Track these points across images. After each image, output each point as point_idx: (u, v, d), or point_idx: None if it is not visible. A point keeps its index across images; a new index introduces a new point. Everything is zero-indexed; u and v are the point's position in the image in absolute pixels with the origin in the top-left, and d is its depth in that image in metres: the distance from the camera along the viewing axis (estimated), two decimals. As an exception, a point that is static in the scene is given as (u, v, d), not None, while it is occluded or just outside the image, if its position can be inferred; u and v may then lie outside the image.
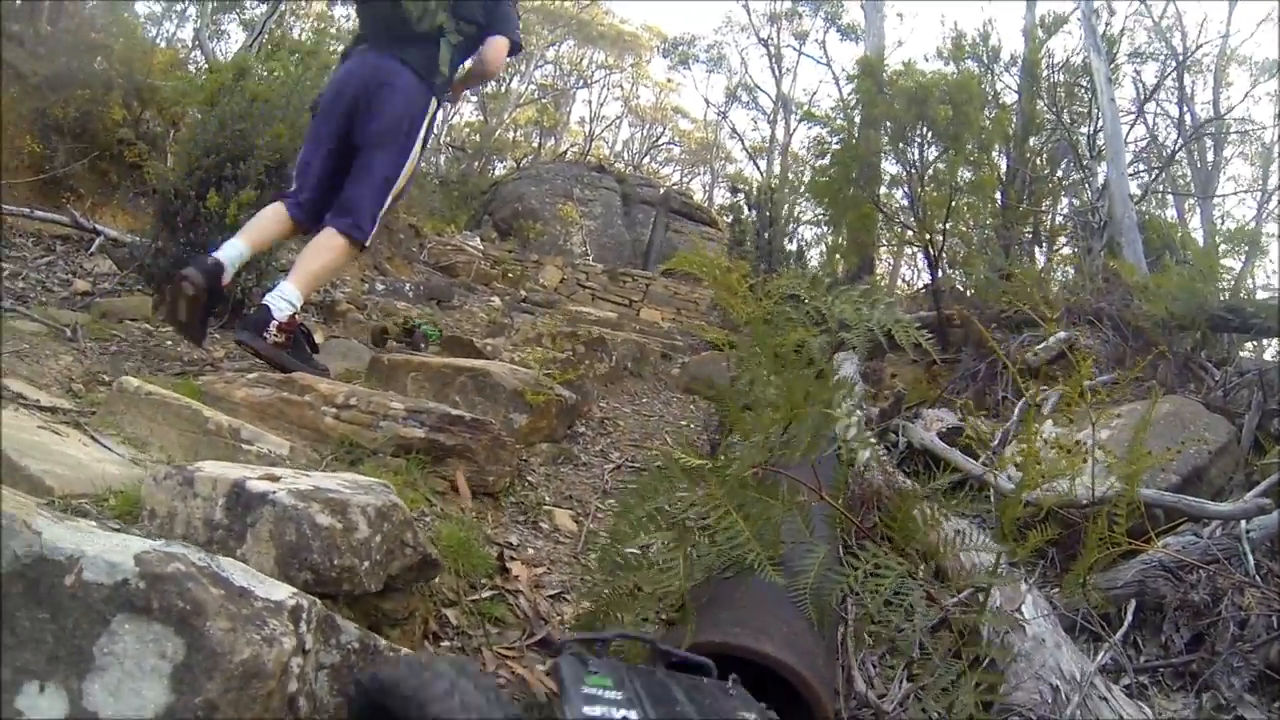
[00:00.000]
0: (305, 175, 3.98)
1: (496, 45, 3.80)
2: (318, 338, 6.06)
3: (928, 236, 8.74)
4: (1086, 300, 7.31)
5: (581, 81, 23.60)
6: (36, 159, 7.64)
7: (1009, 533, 2.27)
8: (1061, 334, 6.43)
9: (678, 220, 16.74)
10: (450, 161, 15.88)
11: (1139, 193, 13.95)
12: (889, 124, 9.90)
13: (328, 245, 3.87)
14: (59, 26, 9.03)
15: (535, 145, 21.20)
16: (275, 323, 3.83)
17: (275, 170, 5.90)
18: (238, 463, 2.20)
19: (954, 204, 9.16)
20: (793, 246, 10.87)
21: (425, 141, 4.01)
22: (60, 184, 7.66)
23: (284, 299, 3.87)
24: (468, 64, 4.05)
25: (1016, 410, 5.22)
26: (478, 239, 11.79)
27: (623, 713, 1.04)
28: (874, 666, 2.59)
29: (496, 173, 17.09)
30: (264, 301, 3.85)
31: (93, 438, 3.01)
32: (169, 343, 5.20)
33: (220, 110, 5.94)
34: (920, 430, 5.00)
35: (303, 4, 19.71)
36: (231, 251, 3.92)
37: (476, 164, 16.35)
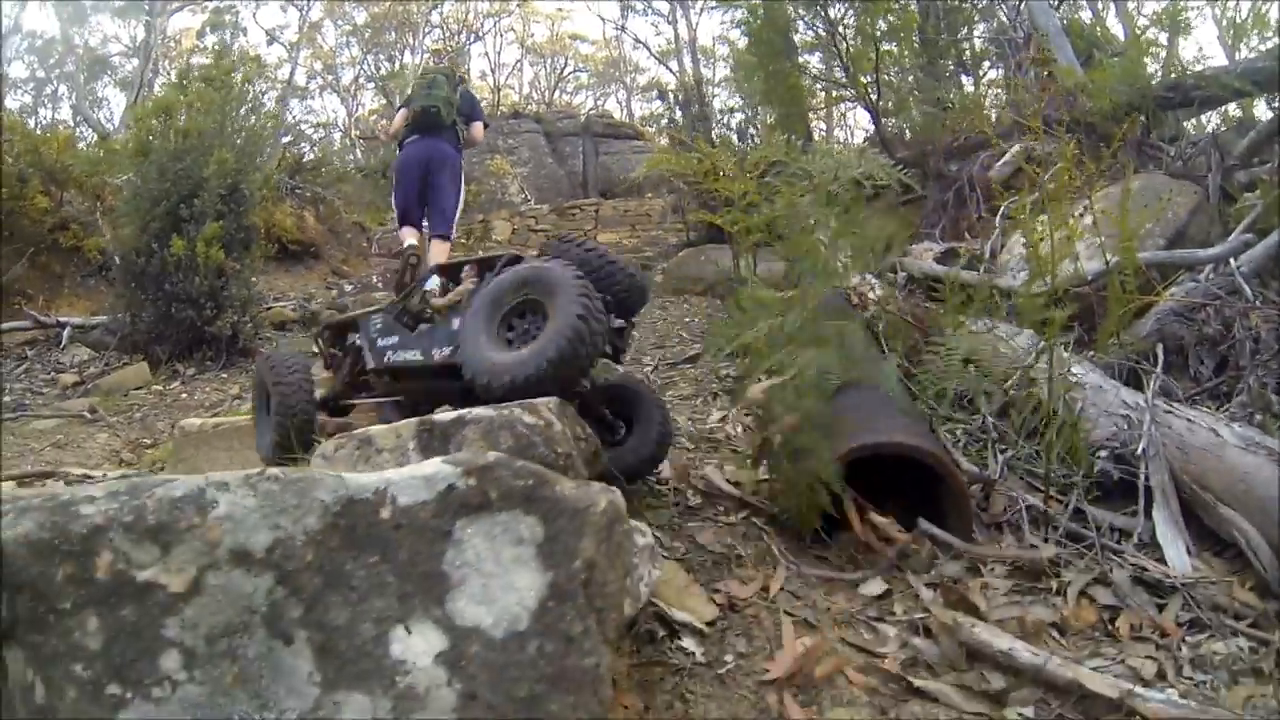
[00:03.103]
0: (410, 210, 5.88)
1: (477, 128, 6.08)
2: (315, 349, 6.13)
3: (864, 89, 8.77)
4: (1029, 112, 7.44)
5: (473, 36, 23.08)
6: (-25, 274, 7.49)
7: (1032, 318, 2.41)
8: (1016, 147, 6.58)
9: (604, 142, 16.51)
10: (366, 152, 15.62)
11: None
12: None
13: (441, 247, 5.77)
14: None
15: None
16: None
17: (230, 196, 5.87)
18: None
19: (880, 51, 9.16)
20: (733, 135, 10.79)
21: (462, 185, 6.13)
22: (7, 292, 7.49)
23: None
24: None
25: (998, 220, 5.39)
26: (421, 218, 11.59)
27: None
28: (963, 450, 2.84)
29: (414, 151, 16.61)
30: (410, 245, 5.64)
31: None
32: (184, 396, 5.28)
33: (155, 157, 5.87)
34: (915, 262, 5.18)
35: (173, 45, 19.13)
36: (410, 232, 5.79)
37: (394, 147, 16.05)
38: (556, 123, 16.89)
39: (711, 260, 7.27)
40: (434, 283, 4.51)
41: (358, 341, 2.79)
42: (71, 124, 16.09)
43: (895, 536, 1.98)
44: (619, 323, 2.32)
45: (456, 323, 2.33)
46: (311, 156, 11.63)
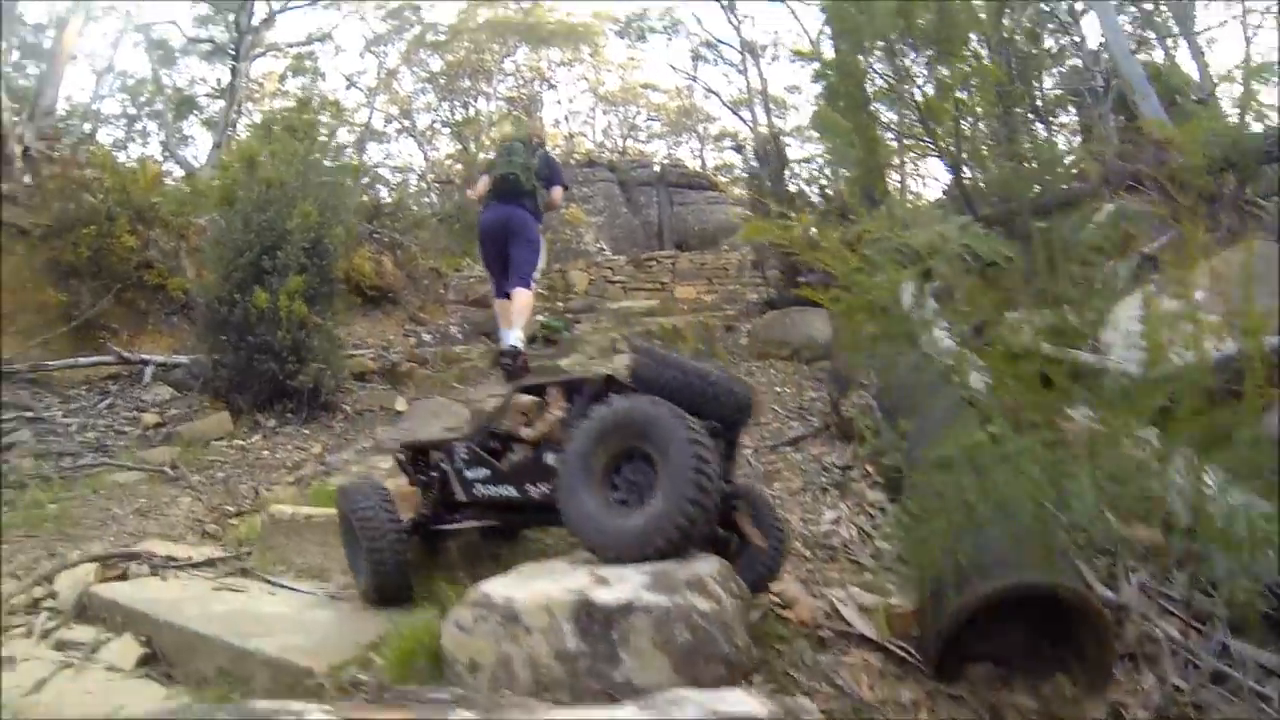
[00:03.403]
0: (496, 269, 6.31)
1: (556, 192, 6.49)
2: (399, 406, 6.01)
3: (942, 141, 8.49)
4: (1114, 166, 7.09)
5: (546, 84, 23.38)
6: (65, 308, 7.56)
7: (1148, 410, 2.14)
8: (1109, 206, 6.23)
9: (679, 192, 16.54)
10: (441, 197, 15.74)
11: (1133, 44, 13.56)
12: (875, 41, 9.64)
13: (522, 301, 6.08)
14: (44, 175, 8.89)
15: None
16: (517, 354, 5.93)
17: (313, 249, 5.78)
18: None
19: (958, 102, 8.90)
20: (812, 189, 10.59)
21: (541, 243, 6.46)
22: (93, 326, 7.56)
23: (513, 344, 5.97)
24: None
25: (1097, 290, 5.06)
26: (494, 266, 11.61)
27: None
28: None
29: (488, 197, 16.80)
30: (511, 345, 5.91)
31: (271, 582, 2.93)
32: (265, 453, 5.16)
33: (240, 207, 5.82)
34: (1013, 337, 4.83)
35: (256, 89, 19.63)
36: (513, 338, 5.96)
37: (469, 193, 16.23)
38: (631, 172, 16.95)
39: (798, 325, 7.03)
40: (515, 337, 5.90)
41: (444, 468, 2.63)
42: (159, 159, 16.48)
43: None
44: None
45: (550, 457, 2.19)
46: (389, 200, 11.64)
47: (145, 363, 6.91)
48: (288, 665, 2.05)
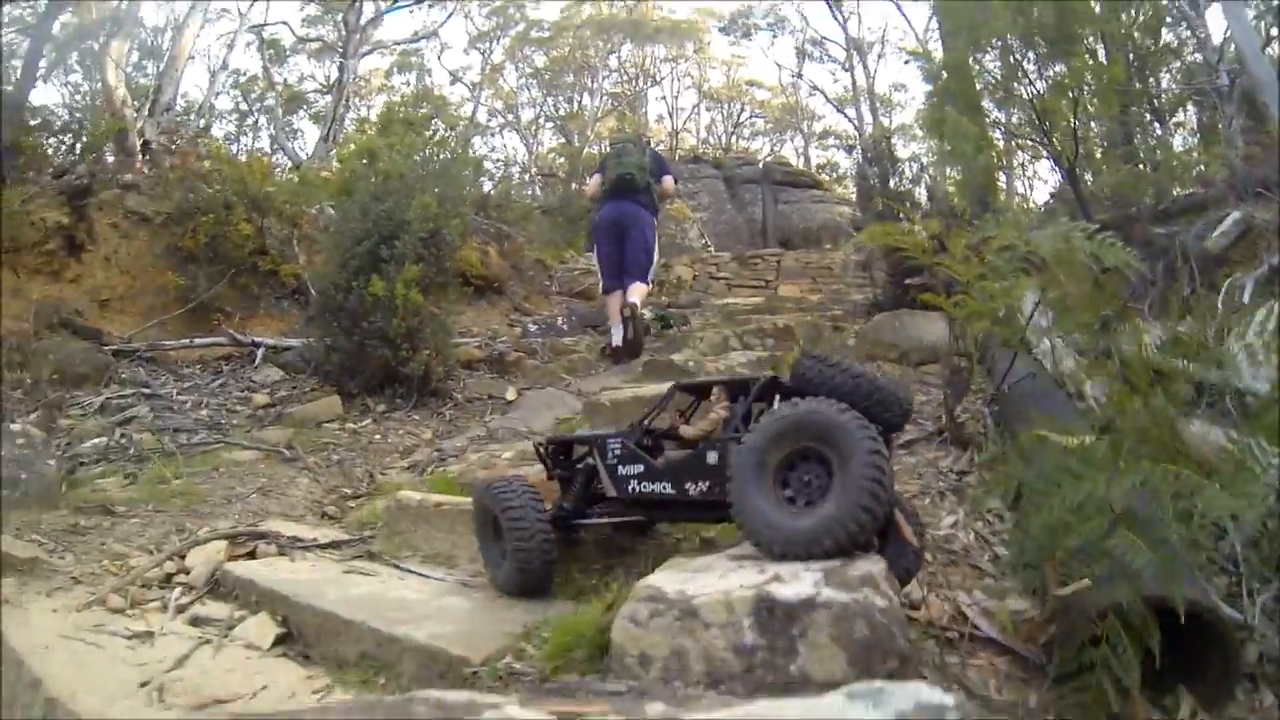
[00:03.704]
0: (612, 270, 6.78)
1: (668, 181, 7.00)
2: (509, 395, 5.97)
3: (1058, 143, 8.10)
4: (1240, 170, 6.62)
5: (650, 80, 23.42)
6: (182, 291, 7.79)
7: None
8: (1235, 214, 5.81)
9: (783, 190, 16.42)
10: (545, 189, 15.90)
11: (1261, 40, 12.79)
12: (988, 38, 9.29)
13: (640, 288, 6.64)
14: (165, 166, 9.20)
15: None
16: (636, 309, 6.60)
17: (430, 240, 5.80)
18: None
19: (1076, 102, 8.50)
20: (920, 190, 10.29)
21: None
22: (208, 308, 7.79)
23: (635, 301, 6.64)
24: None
25: (1220, 302, 4.69)
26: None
27: None
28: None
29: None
30: (632, 301, 6.57)
31: (399, 567, 2.87)
32: (376, 437, 5.16)
33: (358, 197, 5.87)
34: (1130, 350, 4.52)
35: (363, 84, 20.17)
36: (618, 338, 6.62)
37: (574, 186, 16.39)
38: (736, 169, 16.89)
39: (907, 328, 6.80)
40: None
41: (590, 463, 2.61)
42: (269, 152, 17.00)
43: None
44: None
45: (713, 457, 2.16)
46: (493, 192, 11.73)
47: (257, 345, 7.09)
48: (439, 653, 1.97)
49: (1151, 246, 6.13)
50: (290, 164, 15.31)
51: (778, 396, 2.22)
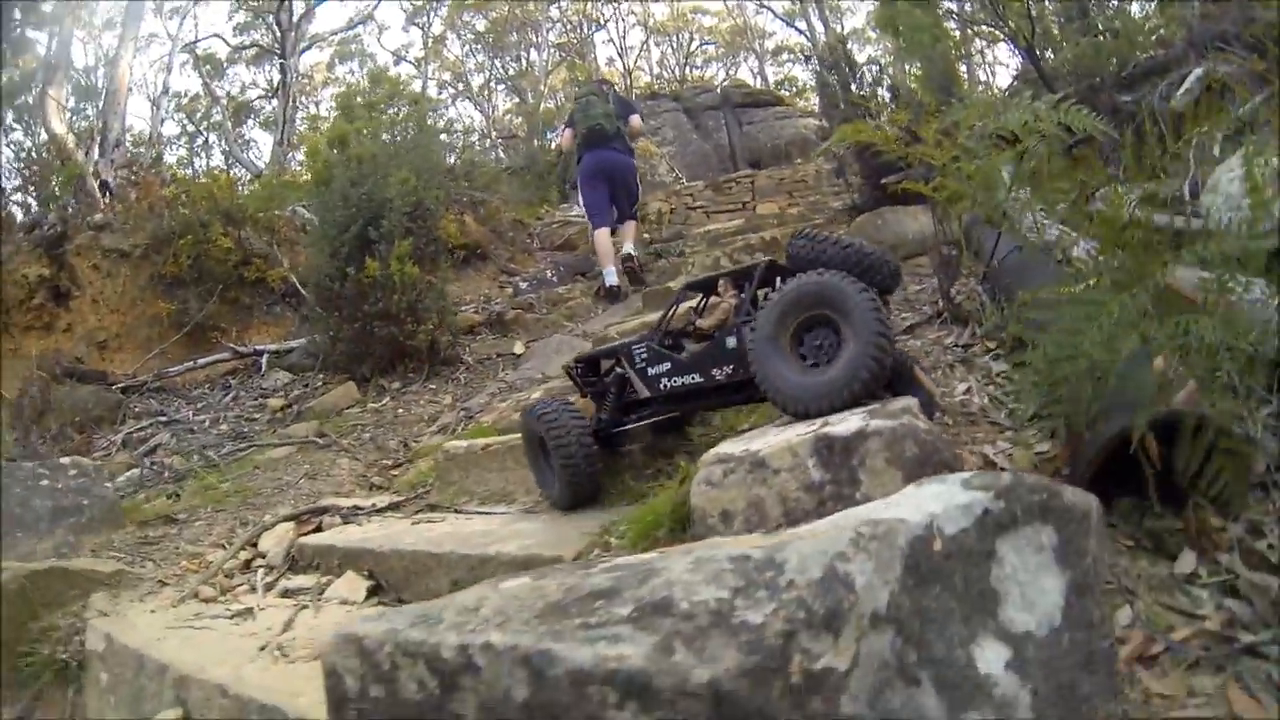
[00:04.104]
0: (601, 210, 7.12)
1: (634, 120, 7.42)
2: (517, 349, 6.09)
3: (1016, 25, 8.07)
4: (1198, 28, 6.63)
5: (595, 25, 23.10)
6: (175, 316, 7.85)
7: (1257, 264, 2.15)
8: (1197, 71, 5.86)
9: (745, 112, 16.30)
10: (509, 151, 15.87)
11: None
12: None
13: (632, 227, 7.32)
14: (131, 200, 9.18)
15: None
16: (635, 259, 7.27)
17: (413, 213, 5.87)
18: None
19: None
20: (883, 91, 10.27)
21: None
22: (204, 328, 7.84)
23: (631, 251, 7.31)
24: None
25: (1190, 156, 4.80)
26: (575, 206, 11.72)
27: None
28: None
29: (555, 143, 17.04)
30: (628, 252, 7.24)
31: (461, 511, 3.00)
32: (400, 412, 5.28)
33: (337, 185, 5.91)
34: (1107, 210, 4.62)
35: (307, 82, 19.92)
36: (614, 276, 7.02)
37: (535, 143, 16.30)
38: (695, 99, 16.76)
39: (889, 224, 6.90)
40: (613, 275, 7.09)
41: (619, 372, 2.79)
42: (225, 168, 16.86)
43: (1214, 524, 1.91)
44: None
45: (732, 341, 2.34)
46: (458, 161, 11.70)
47: (259, 353, 7.19)
48: (534, 558, 2.11)
49: (1119, 114, 6.20)
50: (250, 175, 15.22)
51: (779, 279, 2.42)
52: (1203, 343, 2.33)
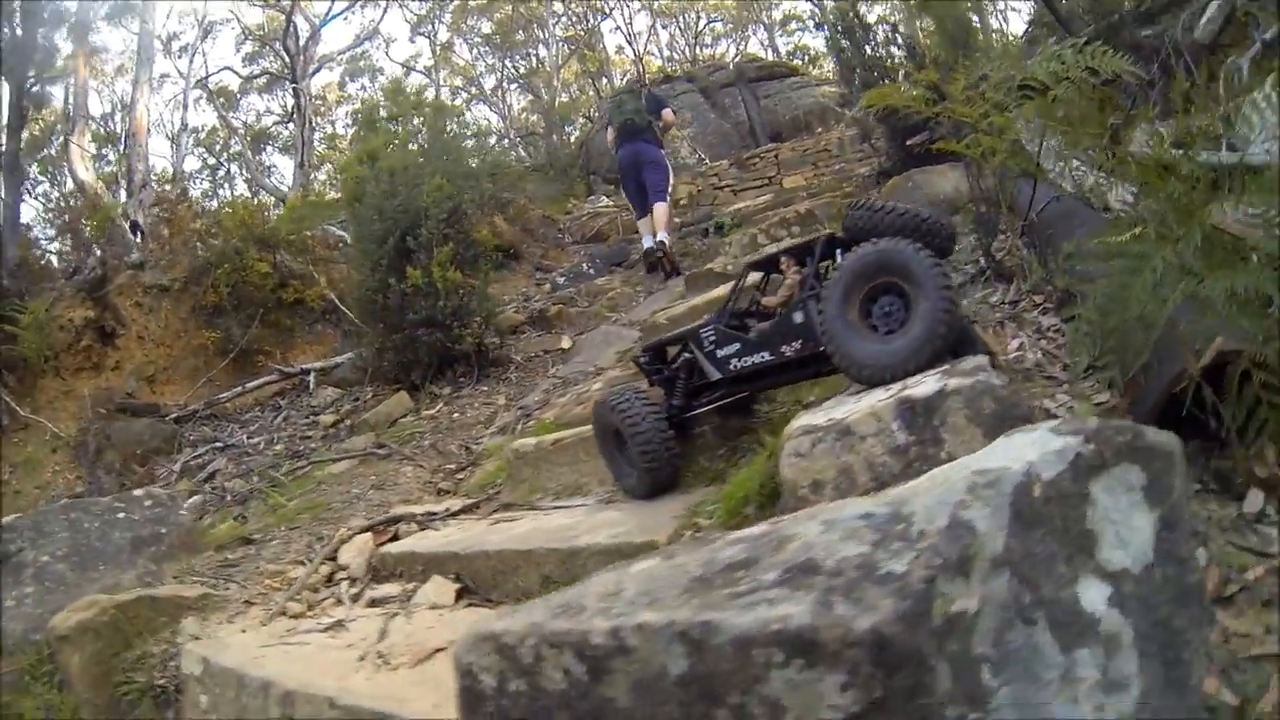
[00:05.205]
0: (636, 200, 7.78)
1: (666, 113, 7.98)
2: (564, 344, 6.08)
3: None
4: None
5: (600, 14, 23.05)
6: (219, 344, 7.95)
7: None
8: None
9: (761, 86, 16.12)
10: (529, 149, 15.91)
11: None
12: None
13: (661, 211, 7.49)
14: (167, 236, 9.34)
15: (594, 94, 21.11)
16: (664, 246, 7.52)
17: (450, 218, 5.87)
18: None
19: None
20: (897, 50, 10.12)
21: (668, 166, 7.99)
22: (248, 353, 7.94)
23: (663, 239, 7.56)
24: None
25: (1220, 89, 4.65)
26: (603, 198, 11.76)
27: None
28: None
29: (574, 137, 17.21)
30: (654, 244, 7.50)
31: (536, 507, 2.99)
32: (455, 416, 5.28)
33: (370, 200, 5.94)
34: (1144, 151, 4.49)
35: (321, 102, 20.10)
36: (650, 241, 7.54)
37: (555, 138, 16.31)
38: (709, 77, 16.65)
39: (920, 186, 6.80)
40: (653, 240, 7.47)
41: (687, 356, 2.79)
42: (250, 195, 17.06)
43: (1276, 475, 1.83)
44: None
45: (799, 316, 2.32)
46: (479, 163, 11.78)
47: (306, 372, 7.25)
48: (624, 547, 2.10)
49: (1141, 49, 6.03)
50: (275, 200, 15.38)
51: (839, 251, 2.40)
52: (1250, 289, 2.26)
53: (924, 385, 1.79)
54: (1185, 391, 1.83)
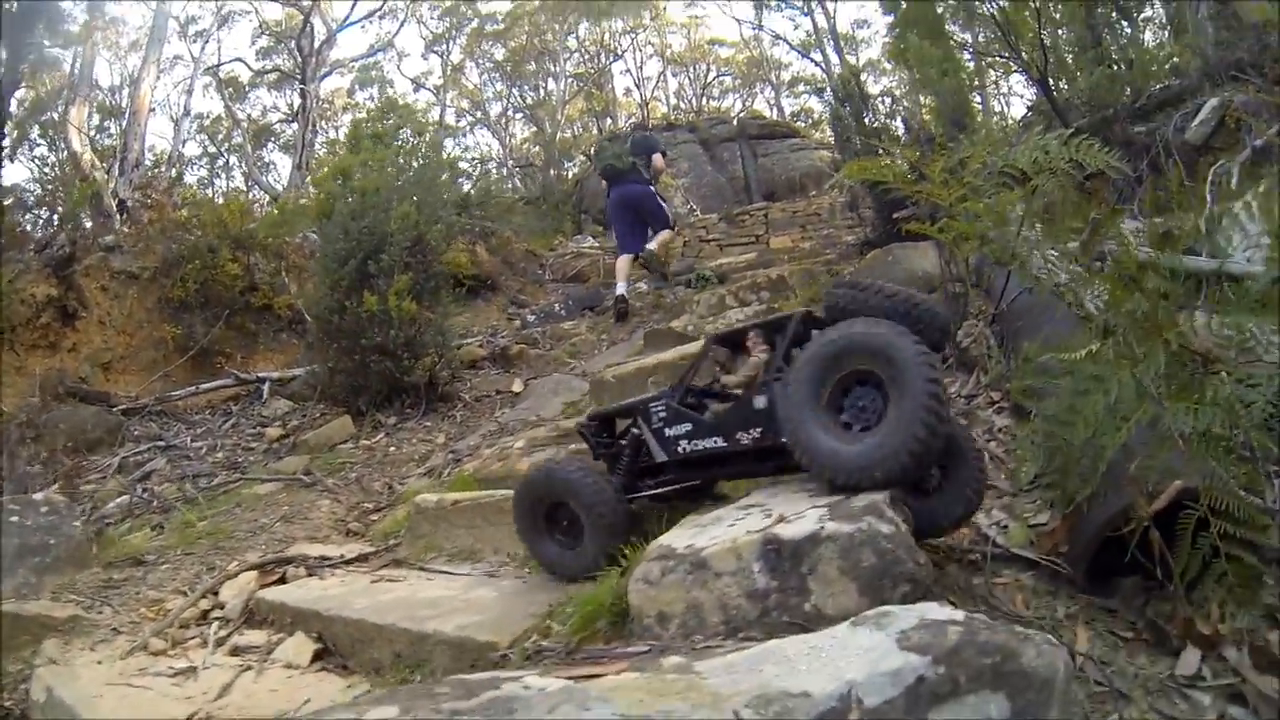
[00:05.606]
0: (626, 239, 7.99)
1: (656, 158, 8.03)
2: (515, 387, 6.01)
3: (1028, 55, 8.01)
4: (1212, 58, 6.53)
5: (612, 55, 23.27)
6: (180, 340, 7.84)
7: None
8: (1212, 101, 5.75)
9: (761, 144, 16.34)
10: (525, 180, 15.95)
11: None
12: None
13: (663, 235, 8.03)
14: (144, 222, 9.25)
15: (596, 132, 21.24)
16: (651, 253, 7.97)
17: (414, 247, 5.82)
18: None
19: (1043, 14, 8.38)
20: (896, 123, 10.24)
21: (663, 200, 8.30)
22: (208, 353, 7.84)
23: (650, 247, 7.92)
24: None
25: (1208, 191, 4.66)
26: (589, 238, 11.77)
27: None
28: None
29: (572, 174, 17.36)
30: (620, 294, 7.61)
31: (425, 569, 2.91)
32: (391, 449, 5.20)
33: (338, 218, 5.89)
34: (1119, 250, 4.48)
35: (327, 106, 20.14)
36: (623, 289, 7.61)
37: (552, 173, 16.38)
38: (711, 130, 16.79)
39: (900, 261, 6.80)
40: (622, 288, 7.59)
41: (636, 432, 2.50)
42: (245, 190, 17.05)
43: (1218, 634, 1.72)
44: None
45: (761, 401, 2.08)
46: (472, 191, 11.75)
47: (261, 380, 7.13)
48: (467, 642, 2.02)
49: (1133, 145, 6.07)
50: (269, 198, 15.36)
51: (814, 333, 2.10)
52: (1220, 408, 2.16)
53: (798, 524, 1.65)
54: (1131, 529, 1.71)
